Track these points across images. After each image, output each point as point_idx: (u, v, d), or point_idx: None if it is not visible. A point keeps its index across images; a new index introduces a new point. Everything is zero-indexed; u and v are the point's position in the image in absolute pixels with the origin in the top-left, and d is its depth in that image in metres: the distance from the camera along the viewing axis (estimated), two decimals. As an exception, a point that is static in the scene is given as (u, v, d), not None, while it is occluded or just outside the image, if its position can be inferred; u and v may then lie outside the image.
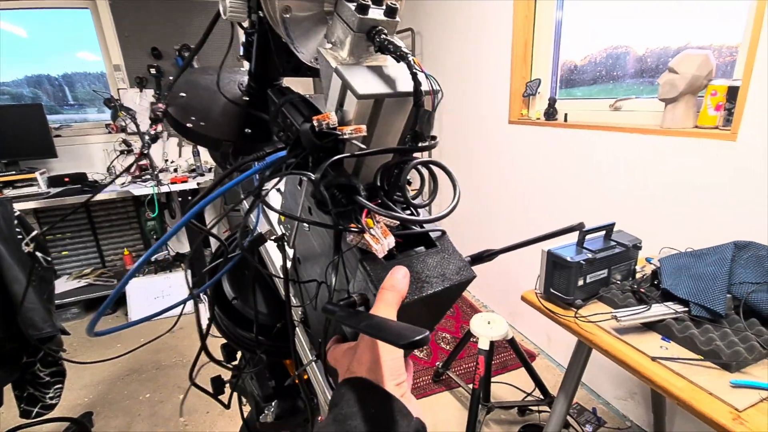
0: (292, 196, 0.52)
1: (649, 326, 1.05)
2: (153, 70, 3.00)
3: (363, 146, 0.37)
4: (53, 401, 1.50)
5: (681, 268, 1.10)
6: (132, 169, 2.83)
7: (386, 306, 0.34)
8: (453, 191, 0.39)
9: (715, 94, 1.33)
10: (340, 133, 0.36)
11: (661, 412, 1.56)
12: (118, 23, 2.91)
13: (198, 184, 2.84)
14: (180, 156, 3.24)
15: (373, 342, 0.35)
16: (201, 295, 0.68)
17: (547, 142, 2.01)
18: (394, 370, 0.34)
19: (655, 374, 0.91)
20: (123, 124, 2.99)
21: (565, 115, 1.95)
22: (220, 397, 0.84)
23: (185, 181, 2.82)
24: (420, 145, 0.38)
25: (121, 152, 2.85)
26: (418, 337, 0.26)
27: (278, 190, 0.68)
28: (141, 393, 2.10)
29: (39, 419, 1.52)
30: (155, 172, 2.84)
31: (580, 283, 1.14)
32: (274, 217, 0.63)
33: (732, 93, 1.30)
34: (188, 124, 0.54)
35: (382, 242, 0.36)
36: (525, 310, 1.39)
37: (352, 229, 0.38)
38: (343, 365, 0.37)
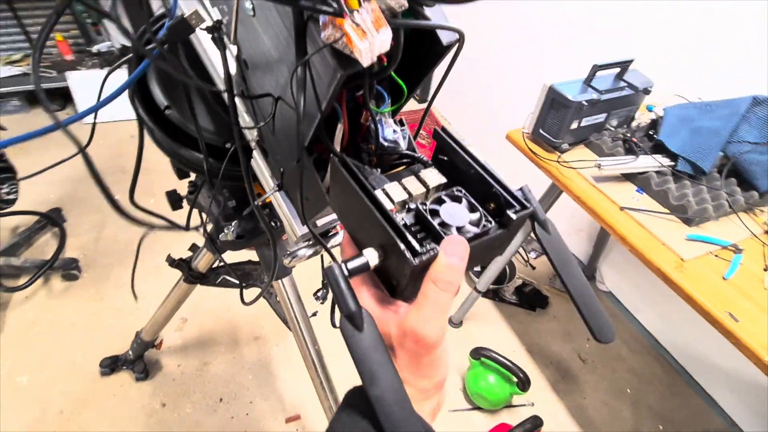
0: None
1: (628, 177, 1.03)
2: None
3: None
4: (10, 196, 1.45)
5: (684, 119, 1.01)
6: None
7: (436, 312, 0.25)
8: None
9: None
10: None
11: (600, 248, 1.75)
12: None
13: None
14: None
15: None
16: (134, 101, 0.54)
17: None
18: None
19: (619, 223, 0.92)
20: None
21: None
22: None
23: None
24: None
25: None
26: None
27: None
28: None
29: (2, 212, 1.49)
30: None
31: (574, 126, 1.05)
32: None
33: None
34: None
35: (370, 37, 0.23)
36: (505, 154, 1.32)
37: (325, 9, 0.23)
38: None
